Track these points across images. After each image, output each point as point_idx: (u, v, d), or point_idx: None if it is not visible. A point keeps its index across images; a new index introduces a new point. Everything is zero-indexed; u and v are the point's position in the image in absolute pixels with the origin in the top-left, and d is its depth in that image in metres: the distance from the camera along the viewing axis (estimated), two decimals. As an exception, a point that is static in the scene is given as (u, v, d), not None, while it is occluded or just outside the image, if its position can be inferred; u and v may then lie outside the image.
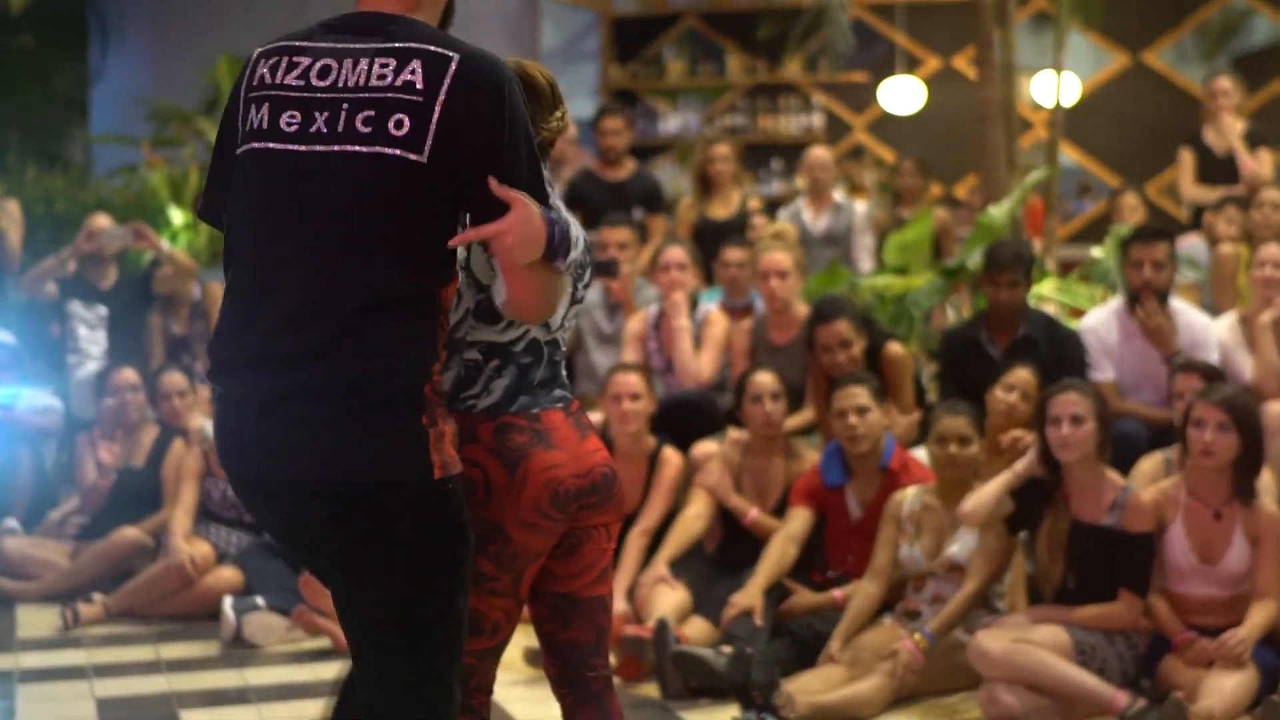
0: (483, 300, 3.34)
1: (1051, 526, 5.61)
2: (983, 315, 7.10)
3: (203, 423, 7.96)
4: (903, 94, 12.52)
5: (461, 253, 3.29)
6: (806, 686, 5.55)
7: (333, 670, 6.23)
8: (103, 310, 9.20)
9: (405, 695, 3.12)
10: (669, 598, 6.18)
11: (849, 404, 6.16)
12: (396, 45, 3.03)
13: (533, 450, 3.37)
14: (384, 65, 3.02)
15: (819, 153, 9.77)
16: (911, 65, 13.35)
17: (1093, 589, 5.51)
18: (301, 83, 3.05)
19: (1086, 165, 13.39)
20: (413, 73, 3.00)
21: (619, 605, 6.26)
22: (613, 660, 5.94)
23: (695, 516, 6.52)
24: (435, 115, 2.98)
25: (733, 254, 7.93)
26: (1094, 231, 12.19)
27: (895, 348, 6.99)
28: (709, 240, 8.50)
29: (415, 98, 2.99)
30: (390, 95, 2.99)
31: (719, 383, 7.48)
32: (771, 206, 11.15)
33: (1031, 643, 5.35)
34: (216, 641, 6.61)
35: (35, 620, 7.01)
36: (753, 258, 7.70)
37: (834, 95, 14.02)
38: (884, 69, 13.33)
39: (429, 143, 2.98)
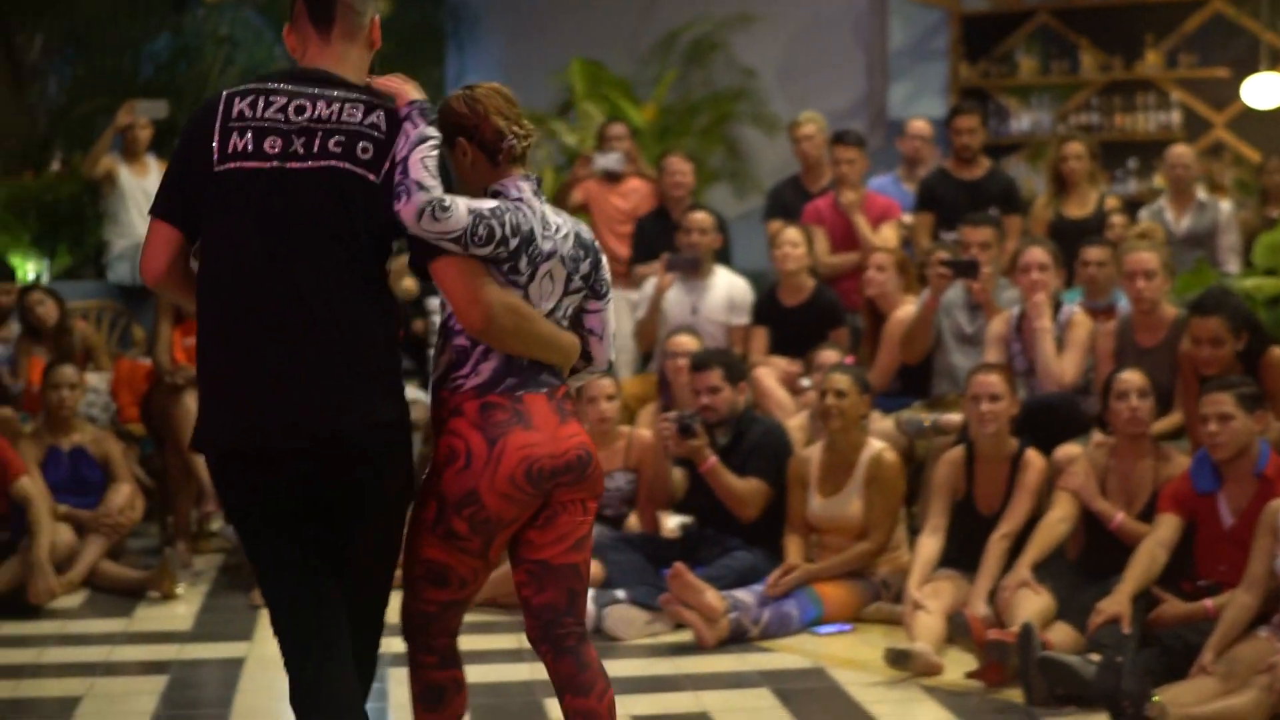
0: None
1: None
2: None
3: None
4: (1267, 89, 12.12)
5: None
6: (1178, 698, 5.39)
7: (694, 664, 6.32)
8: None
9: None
10: (1033, 602, 6.09)
11: (1211, 410, 5.98)
12: (360, 97, 3.82)
13: (513, 429, 3.84)
14: (353, 109, 3.79)
15: (1181, 150, 9.52)
16: (1275, 60, 12.90)
17: None
18: (281, 116, 3.79)
19: None
20: (377, 118, 3.79)
21: (980, 609, 6.20)
22: (976, 665, 5.92)
23: (1059, 520, 6.41)
24: (390, 151, 3.76)
25: (1093, 253, 7.78)
26: None
27: (1277, 353, 6.75)
28: (1065, 240, 8.32)
29: (379, 135, 3.78)
30: (358, 129, 3.77)
31: (1082, 385, 7.33)
32: (1129, 206, 10.87)
33: None
34: (579, 633, 6.72)
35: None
36: (1115, 257, 7.55)
37: (1193, 91, 13.60)
38: (1246, 64, 12.91)
39: (384, 169, 3.76)
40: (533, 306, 3.91)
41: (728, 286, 9.04)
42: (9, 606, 7.10)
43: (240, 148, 3.77)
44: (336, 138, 3.75)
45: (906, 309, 8.05)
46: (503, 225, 3.82)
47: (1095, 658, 5.57)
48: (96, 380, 8.93)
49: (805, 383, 8.01)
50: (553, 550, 3.98)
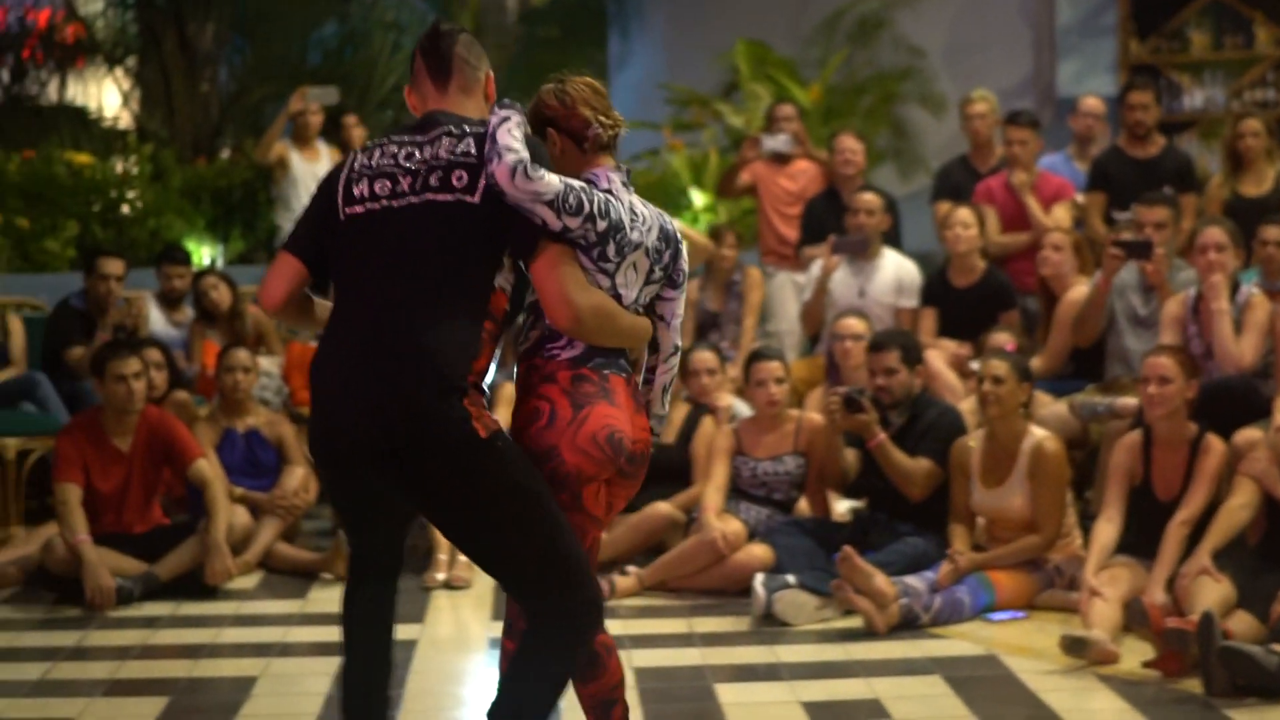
0: None
1: None
2: None
3: (732, 400, 8.11)
4: None
5: None
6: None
7: (864, 650, 6.27)
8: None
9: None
10: (1213, 590, 5.95)
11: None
12: (457, 129, 4.08)
13: (599, 401, 4.05)
14: (452, 143, 4.05)
15: (1362, 127, 9.28)
16: None
17: None
18: (392, 163, 4.10)
19: None
20: (467, 145, 4.04)
21: (1159, 597, 6.08)
22: (1153, 653, 5.81)
23: (1239, 506, 6.25)
24: (483, 171, 3.98)
25: (1272, 232, 7.60)
26: None
27: None
28: (1242, 219, 8.12)
29: (471, 159, 4.02)
30: (453, 159, 4.03)
31: (1261, 369, 7.15)
32: (1308, 183, 10.60)
33: None
34: (748, 617, 6.69)
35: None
36: (1295, 237, 7.37)
37: (1374, 65, 13.27)
38: None
39: (480, 189, 3.99)
40: (617, 294, 4.09)
41: (895, 268, 8.96)
42: (187, 587, 7.22)
43: (358, 194, 4.12)
44: (437, 173, 4.04)
45: (1079, 290, 7.92)
46: (592, 202, 4.00)
47: (1278, 648, 5.44)
48: (269, 364, 9.06)
49: (975, 366, 7.92)
50: None
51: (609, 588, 7.00)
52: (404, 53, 17.20)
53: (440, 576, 7.39)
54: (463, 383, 3.95)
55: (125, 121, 16.53)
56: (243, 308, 9.31)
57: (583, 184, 4.01)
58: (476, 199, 3.98)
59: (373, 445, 3.96)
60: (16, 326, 9.41)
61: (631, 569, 7.19)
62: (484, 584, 7.40)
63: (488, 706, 4.11)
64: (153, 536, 7.40)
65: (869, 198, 9.08)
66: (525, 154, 3.89)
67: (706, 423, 7.79)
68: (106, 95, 17.50)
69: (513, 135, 3.90)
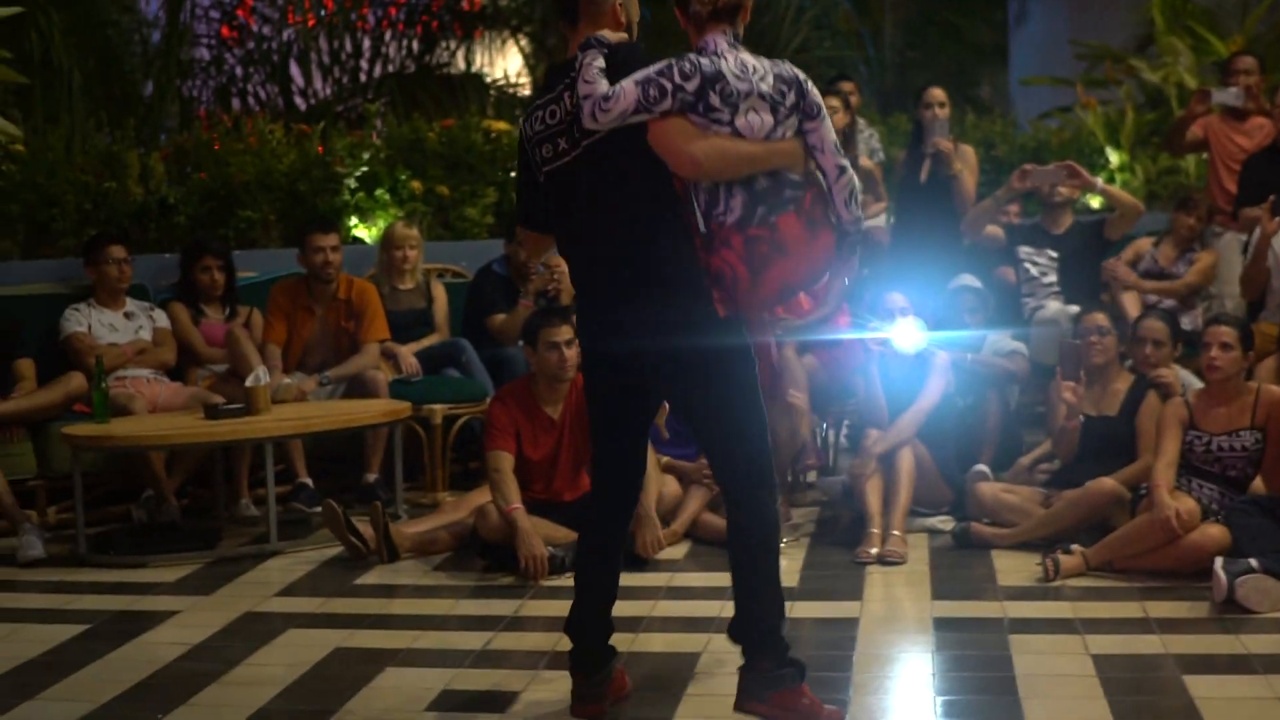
0: None
1: None
2: None
3: (1180, 373, 7.68)
4: None
5: None
6: None
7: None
8: (1052, 254, 9.10)
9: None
10: None
11: None
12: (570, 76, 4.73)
13: (773, 260, 4.67)
14: (571, 97, 4.72)
15: None
16: None
17: None
18: (545, 128, 4.79)
19: None
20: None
21: None
22: None
23: None
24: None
25: None
26: None
27: None
28: None
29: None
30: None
31: None
32: None
33: None
34: (1205, 603, 6.29)
35: (1014, 567, 6.95)
36: None
37: None
38: None
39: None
40: (743, 137, 4.65)
41: (1349, 230, 8.40)
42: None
43: (541, 156, 4.84)
44: (578, 125, 4.69)
45: None
46: (671, 77, 4.60)
47: None
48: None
49: None
50: None
51: (1052, 566, 6.68)
52: (809, 16, 17.02)
53: (873, 550, 7.17)
54: (694, 275, 4.72)
55: (528, 90, 16.75)
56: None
57: (659, 66, 4.61)
58: (603, 140, 4.69)
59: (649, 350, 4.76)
60: (440, 293, 9.51)
61: (1076, 547, 6.82)
62: (917, 559, 7.16)
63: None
64: (582, 504, 7.35)
65: (1320, 156, 8.53)
66: (598, 89, 4.57)
67: (1152, 396, 7.38)
68: (509, 63, 17.78)
69: (586, 80, 4.58)
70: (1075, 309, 8.56)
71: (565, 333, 7.20)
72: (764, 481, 4.86)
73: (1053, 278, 9.04)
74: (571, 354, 7.20)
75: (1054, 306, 8.85)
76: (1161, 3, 14.87)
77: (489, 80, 16.53)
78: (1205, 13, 14.75)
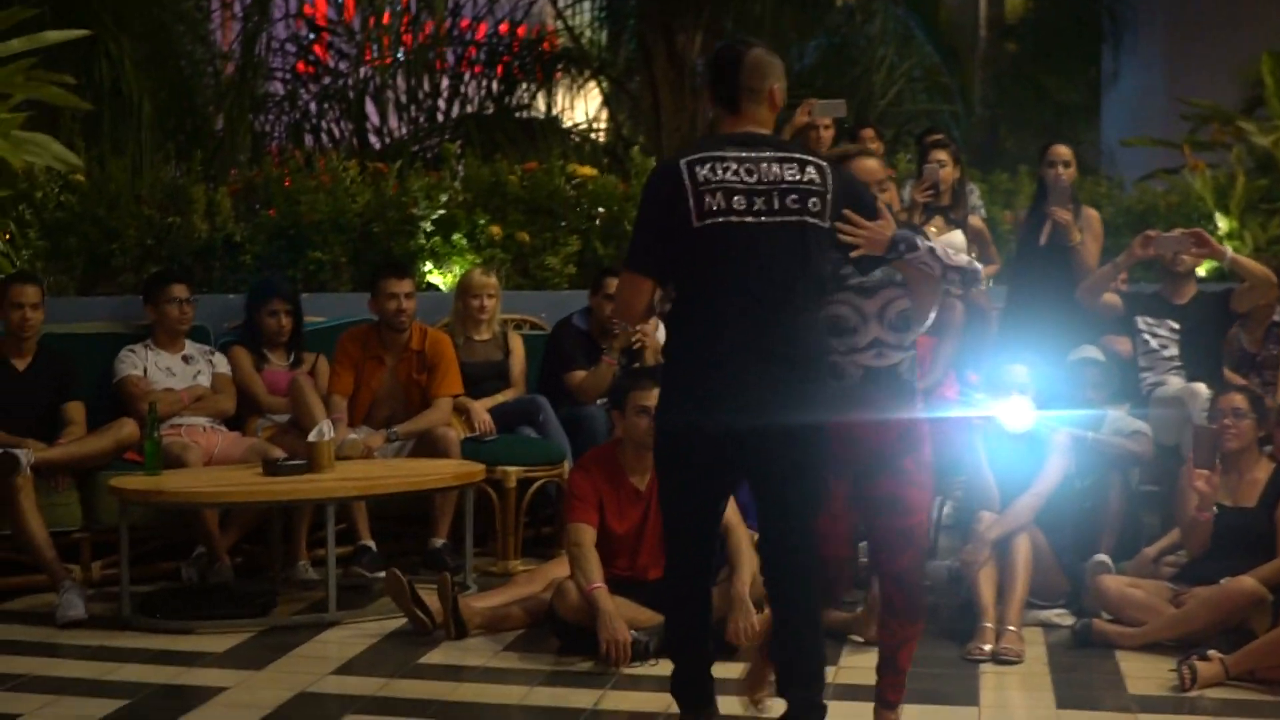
0: None
1: None
2: None
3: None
4: None
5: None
6: None
7: None
8: (1174, 325, 8.46)
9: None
10: None
11: None
12: (790, 155, 4.80)
13: None
14: (789, 168, 4.78)
15: None
16: None
17: None
18: (737, 179, 4.73)
19: None
20: (811, 173, 4.79)
21: None
22: None
23: None
24: (829, 199, 4.79)
25: None
26: None
27: None
28: None
29: (821, 188, 4.79)
30: (803, 186, 4.77)
31: None
32: None
33: None
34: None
35: (1143, 672, 6.30)
36: None
37: None
38: None
39: (828, 214, 4.79)
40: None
41: None
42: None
43: (715, 206, 4.71)
44: (792, 196, 4.74)
45: None
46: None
47: None
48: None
49: None
50: None
51: (1189, 674, 6.04)
52: (893, 67, 16.52)
53: (987, 647, 6.55)
54: (820, 369, 4.82)
55: (606, 135, 16.32)
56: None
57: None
58: (827, 224, 4.78)
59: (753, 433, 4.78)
60: (517, 345, 8.97)
61: (1213, 654, 6.17)
62: (1034, 658, 6.53)
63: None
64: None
65: None
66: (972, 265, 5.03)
67: (1297, 486, 6.76)
68: (587, 108, 17.35)
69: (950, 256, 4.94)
70: (1201, 386, 7.93)
71: (655, 396, 6.62)
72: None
73: (1173, 350, 8.40)
74: (662, 420, 6.64)
75: (1175, 383, 8.21)
76: (1272, 63, 14.24)
77: (569, 125, 16.05)
78: (1320, 74, 14.13)
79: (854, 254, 4.81)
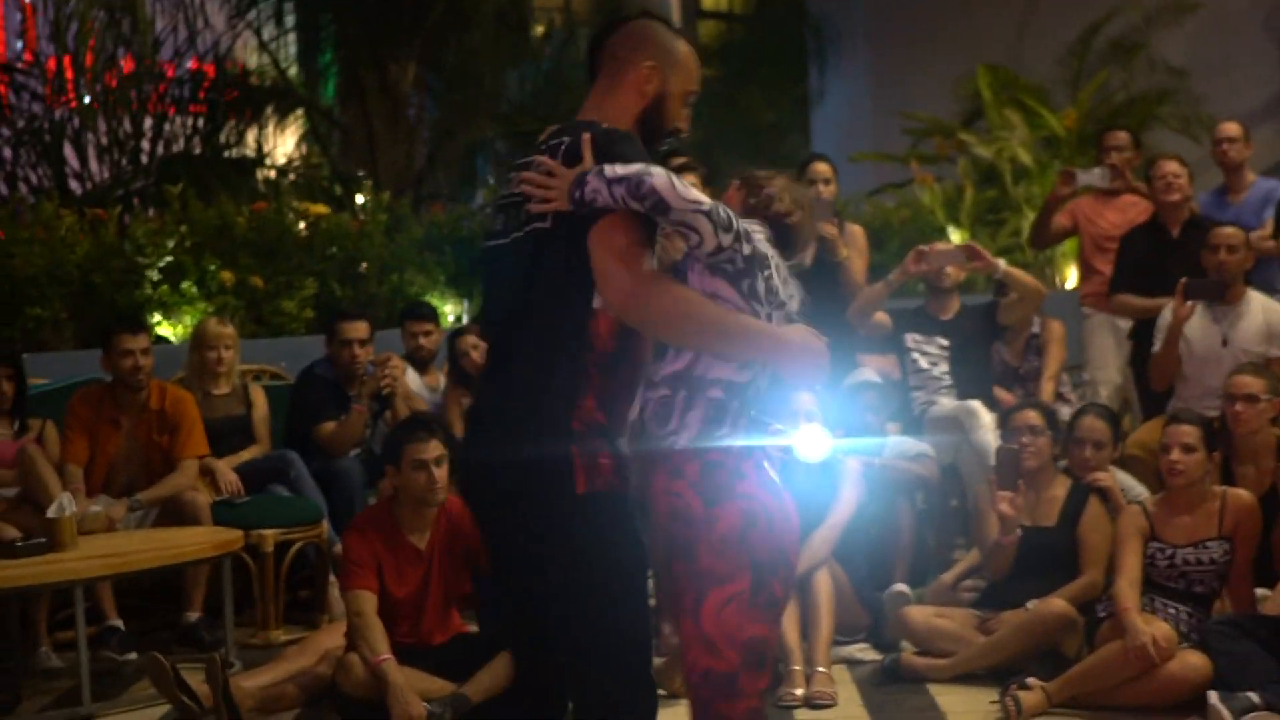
0: None
1: None
2: None
3: (1118, 475, 6.92)
4: None
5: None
6: None
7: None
8: (943, 342, 8.30)
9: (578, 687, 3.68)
10: None
11: None
12: (548, 145, 3.68)
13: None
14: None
15: None
16: None
17: None
18: (505, 198, 3.77)
19: None
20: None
21: None
22: None
23: None
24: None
25: None
26: None
27: None
28: None
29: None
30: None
31: None
32: None
33: None
34: (1203, 744, 5.48)
35: (963, 707, 6.05)
36: None
37: None
38: None
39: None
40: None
41: (1263, 312, 7.78)
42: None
43: (490, 230, 3.86)
44: (522, 207, 3.68)
45: None
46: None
47: None
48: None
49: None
50: None
51: (1013, 705, 5.81)
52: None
53: (798, 692, 6.24)
54: (567, 426, 3.56)
55: (322, 171, 15.82)
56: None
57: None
58: (548, 224, 3.60)
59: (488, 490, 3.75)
60: (259, 398, 8.41)
61: (1034, 682, 5.95)
62: (848, 699, 6.25)
63: None
64: (454, 647, 6.31)
65: (1230, 232, 7.88)
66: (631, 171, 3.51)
67: (1094, 503, 6.60)
68: (293, 143, 16.80)
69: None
70: (978, 404, 7.79)
71: (434, 449, 6.17)
72: None
73: (944, 368, 8.23)
74: (441, 474, 6.19)
75: (947, 403, 8.04)
76: (988, 76, 14.41)
77: (283, 161, 15.47)
78: (1036, 87, 14.34)
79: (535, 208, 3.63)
